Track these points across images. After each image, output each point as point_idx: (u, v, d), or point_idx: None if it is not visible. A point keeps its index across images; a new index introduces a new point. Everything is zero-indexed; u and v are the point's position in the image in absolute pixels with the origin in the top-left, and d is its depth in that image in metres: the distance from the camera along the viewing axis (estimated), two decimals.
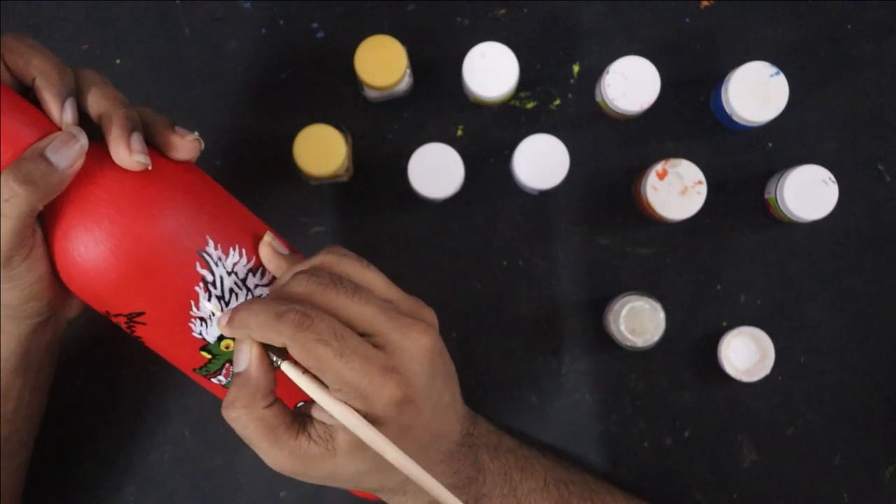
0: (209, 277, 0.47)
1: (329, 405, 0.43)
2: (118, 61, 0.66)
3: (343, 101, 0.66)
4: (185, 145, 0.47)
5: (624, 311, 0.61)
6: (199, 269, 0.47)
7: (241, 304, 0.45)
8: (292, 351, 0.43)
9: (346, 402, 0.43)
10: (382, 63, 0.60)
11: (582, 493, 0.56)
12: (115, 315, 0.48)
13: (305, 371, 0.44)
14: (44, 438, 0.60)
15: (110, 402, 0.66)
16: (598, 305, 0.65)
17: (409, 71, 0.63)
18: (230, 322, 0.45)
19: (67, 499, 0.65)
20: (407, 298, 0.47)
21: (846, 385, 0.65)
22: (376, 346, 0.44)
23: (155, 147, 0.48)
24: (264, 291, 0.50)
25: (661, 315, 0.61)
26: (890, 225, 0.65)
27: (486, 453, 0.52)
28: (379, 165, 0.65)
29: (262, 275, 0.50)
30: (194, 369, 0.52)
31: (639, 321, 0.61)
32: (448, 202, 0.64)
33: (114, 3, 0.66)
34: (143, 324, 0.49)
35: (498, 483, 0.52)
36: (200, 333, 0.49)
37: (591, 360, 0.65)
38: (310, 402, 0.47)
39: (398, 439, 0.44)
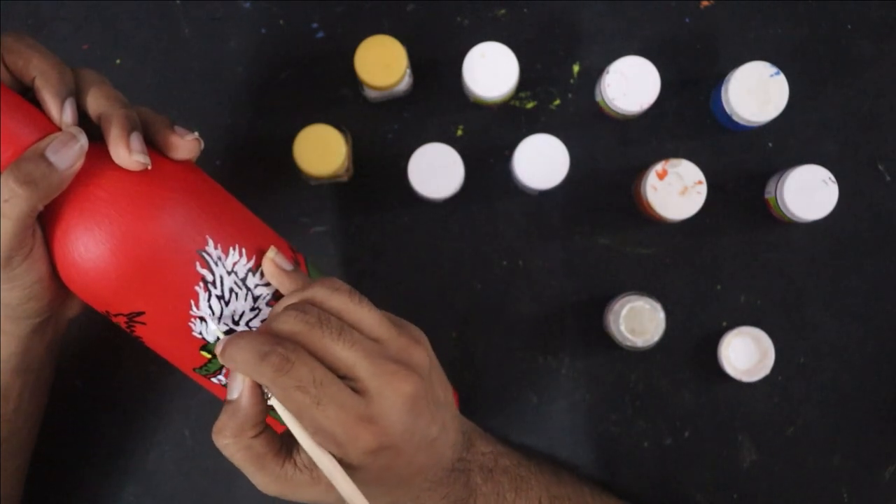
0: (209, 277, 0.47)
1: (306, 445, 0.44)
2: (118, 61, 0.66)
3: (343, 101, 0.66)
4: (185, 145, 0.47)
5: (624, 311, 0.61)
6: (199, 268, 0.47)
7: (233, 336, 0.45)
8: (272, 393, 0.44)
9: (321, 446, 0.44)
10: (382, 63, 0.60)
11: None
12: (116, 315, 0.48)
13: None
14: (44, 438, 0.60)
15: (110, 402, 0.66)
16: (598, 305, 0.65)
17: (409, 71, 0.63)
18: (221, 353, 0.45)
19: (67, 499, 0.65)
20: (397, 337, 0.46)
21: (846, 385, 0.65)
22: (358, 390, 0.44)
23: (154, 147, 0.48)
24: (264, 291, 0.50)
25: (661, 315, 0.61)
26: (890, 225, 0.65)
27: (479, 475, 0.52)
28: (379, 165, 0.65)
29: (263, 275, 0.50)
30: (194, 369, 0.52)
31: (639, 321, 0.61)
32: (448, 202, 0.64)
33: (114, 3, 0.66)
34: (144, 324, 0.49)
35: (490, 499, 0.52)
36: (200, 333, 0.49)
37: (591, 360, 0.65)
38: None
39: (377, 479, 0.45)
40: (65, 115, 0.45)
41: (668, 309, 0.62)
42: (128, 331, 0.50)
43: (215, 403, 0.51)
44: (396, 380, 0.44)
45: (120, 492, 0.65)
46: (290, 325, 0.44)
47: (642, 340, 0.61)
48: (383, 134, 0.66)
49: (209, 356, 0.50)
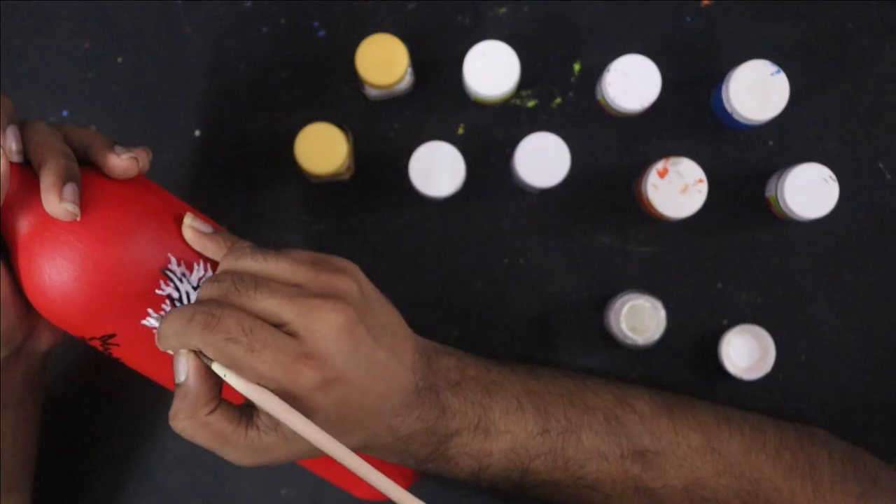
0: (175, 294, 0.48)
1: (253, 396, 0.44)
2: (119, 60, 0.66)
3: (344, 100, 0.66)
4: (121, 165, 0.47)
5: (625, 310, 0.61)
6: (163, 286, 0.48)
7: (162, 317, 0.45)
8: (206, 353, 0.44)
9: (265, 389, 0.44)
10: (383, 62, 0.61)
11: (560, 399, 0.54)
12: (90, 339, 0.49)
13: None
14: (45, 438, 0.60)
15: (110, 400, 0.65)
16: (599, 303, 0.65)
17: (410, 69, 0.63)
18: (157, 338, 0.45)
19: (68, 498, 0.66)
20: (316, 276, 0.46)
21: (847, 383, 0.65)
22: (290, 334, 0.44)
23: (97, 169, 0.48)
24: None
25: (662, 313, 0.61)
26: (890, 223, 0.65)
27: (447, 391, 0.51)
28: (380, 164, 0.65)
29: None
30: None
31: (640, 319, 0.61)
32: (449, 201, 0.64)
33: (114, 2, 0.66)
34: (118, 345, 0.49)
35: (466, 416, 0.51)
36: None
37: (592, 359, 0.65)
38: None
39: (338, 417, 0.45)
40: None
41: (668, 307, 0.62)
42: (106, 353, 0.50)
43: None
44: (324, 312, 0.45)
45: (120, 490, 0.65)
46: (206, 292, 0.45)
47: (643, 339, 0.61)
48: (384, 132, 0.66)
49: None
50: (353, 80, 0.65)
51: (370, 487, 0.59)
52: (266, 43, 0.66)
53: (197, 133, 0.66)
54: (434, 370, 0.51)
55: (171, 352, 0.46)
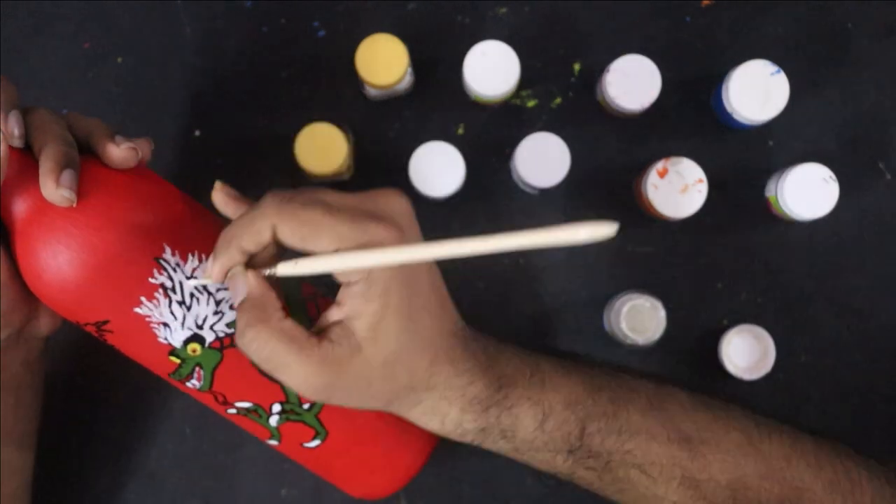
0: (168, 283, 0.48)
1: (338, 262, 0.43)
2: (119, 60, 0.66)
3: (344, 100, 0.66)
4: (119, 154, 0.48)
5: (625, 310, 0.61)
6: (157, 275, 0.48)
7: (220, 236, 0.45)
8: (283, 226, 0.43)
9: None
10: (383, 62, 0.61)
11: (602, 375, 0.52)
12: (85, 324, 0.49)
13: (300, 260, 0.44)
14: (45, 437, 0.60)
15: (111, 399, 0.66)
16: (599, 303, 0.65)
17: (410, 69, 0.63)
18: (215, 252, 0.45)
19: (68, 497, 0.65)
20: (369, 196, 0.46)
21: (847, 383, 0.65)
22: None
23: (97, 157, 0.48)
24: (227, 295, 0.50)
25: (662, 313, 0.61)
26: (890, 223, 0.65)
27: (491, 347, 0.50)
28: (380, 164, 0.65)
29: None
30: (169, 374, 0.52)
31: (639, 319, 0.61)
32: (449, 201, 0.64)
33: (114, 2, 0.66)
34: (111, 332, 0.50)
35: (519, 366, 0.50)
36: (166, 338, 0.50)
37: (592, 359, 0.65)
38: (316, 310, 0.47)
39: (409, 308, 0.45)
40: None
41: (668, 307, 0.62)
42: (100, 339, 0.51)
43: None
44: (392, 196, 0.46)
45: (121, 490, 0.65)
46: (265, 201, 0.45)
47: (643, 339, 0.61)
48: (384, 132, 0.66)
49: (178, 361, 0.51)
50: (354, 80, 0.65)
51: (369, 487, 0.59)
52: (266, 43, 0.66)
53: (197, 133, 0.66)
54: (471, 332, 0.50)
55: (222, 280, 0.45)
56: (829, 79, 0.65)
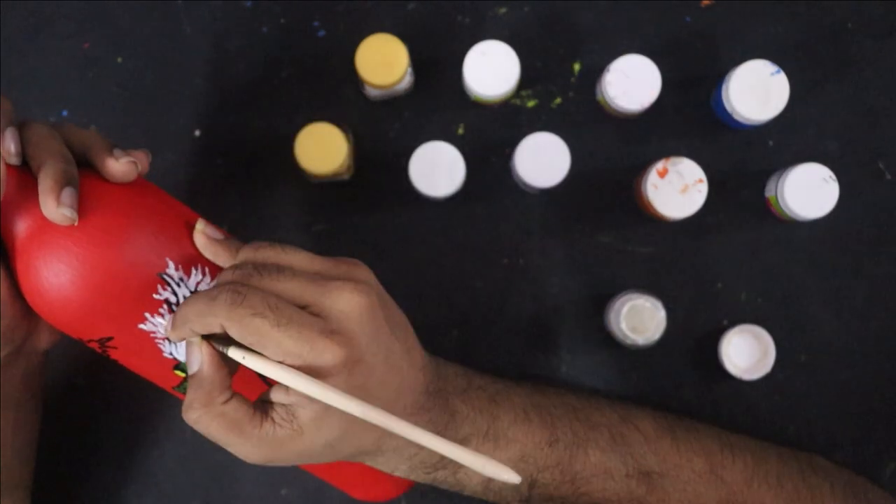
0: (172, 299, 0.48)
1: (278, 374, 0.43)
2: (119, 60, 0.66)
3: (344, 100, 0.66)
4: (119, 169, 0.47)
5: (625, 310, 0.61)
6: (160, 291, 0.47)
7: (180, 305, 0.45)
8: (231, 330, 0.43)
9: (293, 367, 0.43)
10: (383, 61, 0.61)
11: (566, 414, 0.55)
12: (88, 341, 0.49)
13: (251, 352, 0.44)
14: (45, 438, 0.60)
15: (111, 400, 0.66)
16: (599, 304, 0.65)
17: (410, 69, 0.63)
18: (173, 323, 0.45)
19: (68, 497, 0.66)
20: (335, 265, 0.47)
21: (847, 383, 0.65)
22: (312, 314, 0.44)
23: (96, 172, 0.48)
24: None
25: (662, 313, 0.61)
26: (890, 223, 0.65)
27: (456, 397, 0.51)
28: (380, 164, 0.65)
29: None
30: (173, 387, 0.52)
31: (639, 319, 0.61)
32: (449, 201, 0.64)
33: (114, 2, 0.66)
34: (115, 348, 0.49)
35: (476, 422, 0.51)
36: (171, 353, 0.49)
37: (592, 359, 0.65)
38: (267, 386, 0.47)
39: (361, 390, 0.44)
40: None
41: (668, 307, 0.62)
42: (104, 355, 0.50)
43: None
44: (346, 291, 0.45)
45: (121, 490, 0.65)
46: (227, 277, 0.45)
47: (643, 339, 0.61)
48: (384, 132, 0.66)
49: (183, 375, 0.50)
50: (353, 80, 0.65)
51: (369, 488, 0.59)
52: (266, 43, 0.66)
53: (197, 133, 0.66)
54: (442, 376, 0.51)
55: (182, 341, 0.45)
56: (829, 78, 0.65)
